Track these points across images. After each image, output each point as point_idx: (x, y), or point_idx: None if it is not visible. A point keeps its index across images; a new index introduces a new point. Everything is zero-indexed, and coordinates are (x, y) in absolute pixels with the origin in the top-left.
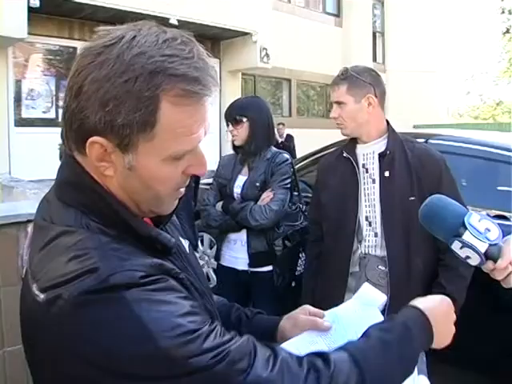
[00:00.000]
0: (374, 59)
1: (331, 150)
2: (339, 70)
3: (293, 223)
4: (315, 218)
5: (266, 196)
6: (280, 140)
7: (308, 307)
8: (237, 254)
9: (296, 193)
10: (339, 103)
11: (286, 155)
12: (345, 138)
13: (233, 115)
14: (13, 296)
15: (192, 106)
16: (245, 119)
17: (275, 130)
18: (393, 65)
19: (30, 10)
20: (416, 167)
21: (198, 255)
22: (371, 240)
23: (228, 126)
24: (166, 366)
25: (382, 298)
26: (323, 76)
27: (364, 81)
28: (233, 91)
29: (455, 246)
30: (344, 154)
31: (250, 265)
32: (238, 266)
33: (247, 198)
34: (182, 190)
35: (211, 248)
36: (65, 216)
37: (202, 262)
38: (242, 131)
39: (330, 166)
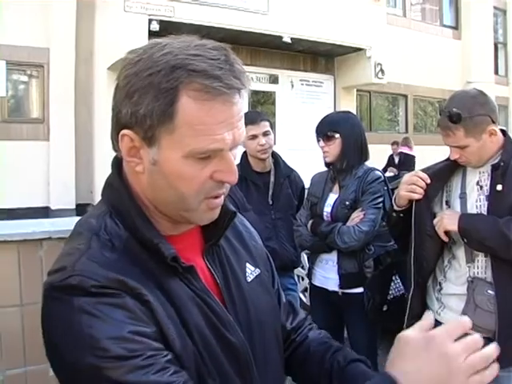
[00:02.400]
0: (496, 72)
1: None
2: (443, 111)
3: (385, 244)
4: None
5: (356, 216)
6: (396, 159)
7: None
8: (328, 274)
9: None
10: (458, 147)
11: (379, 172)
12: None
13: (324, 131)
14: None
15: (211, 103)
16: (337, 135)
17: (367, 146)
18: None
19: (150, 33)
20: None
21: (304, 272)
22: (481, 260)
23: (319, 141)
24: (84, 380)
25: None
26: (441, 91)
27: (479, 115)
28: (347, 108)
29: None
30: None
31: (340, 286)
32: (329, 286)
33: (337, 218)
34: (217, 201)
35: (303, 267)
36: (95, 213)
37: (308, 280)
38: (334, 148)
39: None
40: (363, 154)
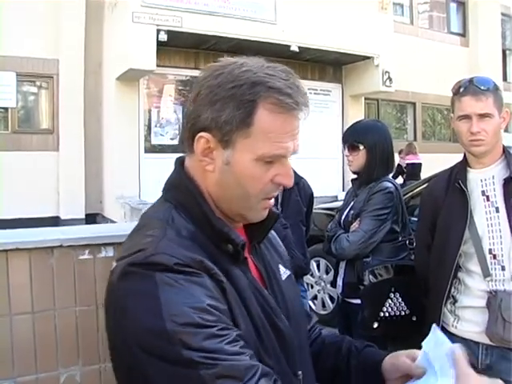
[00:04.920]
0: (505, 78)
1: (436, 176)
2: (462, 81)
3: (384, 259)
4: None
5: (353, 225)
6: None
7: (414, 352)
8: (341, 282)
9: (397, 225)
10: (484, 116)
11: (388, 183)
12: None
13: (349, 140)
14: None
15: (283, 116)
16: (361, 146)
17: (393, 156)
18: None
19: (159, 43)
20: None
21: (313, 280)
22: (498, 274)
23: (344, 149)
24: (162, 346)
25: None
26: (449, 99)
27: (500, 91)
28: (355, 116)
29: None
30: (455, 183)
31: (342, 294)
32: (340, 294)
33: (346, 227)
34: (271, 202)
35: (327, 273)
36: (159, 209)
37: (317, 288)
38: (358, 158)
39: (435, 195)
40: (389, 165)
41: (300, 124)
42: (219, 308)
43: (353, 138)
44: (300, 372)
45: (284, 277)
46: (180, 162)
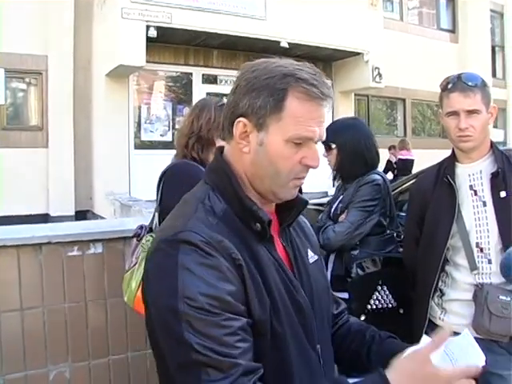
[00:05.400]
0: (494, 75)
1: (425, 171)
2: (450, 77)
3: (374, 251)
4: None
5: (340, 217)
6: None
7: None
8: (329, 275)
9: (384, 218)
10: (472, 112)
11: (376, 176)
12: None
13: (324, 140)
14: (119, 307)
15: (310, 103)
16: (333, 146)
17: (373, 152)
18: None
19: (148, 39)
20: None
21: None
22: (485, 267)
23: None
24: (171, 321)
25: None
26: (439, 94)
27: (488, 88)
28: (345, 112)
29: None
30: (443, 178)
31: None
32: None
33: (335, 220)
34: (301, 181)
35: None
36: (199, 189)
37: None
38: (332, 157)
39: (424, 189)
40: (368, 162)
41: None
42: (230, 292)
43: (326, 137)
44: (318, 346)
45: (311, 260)
46: (219, 150)
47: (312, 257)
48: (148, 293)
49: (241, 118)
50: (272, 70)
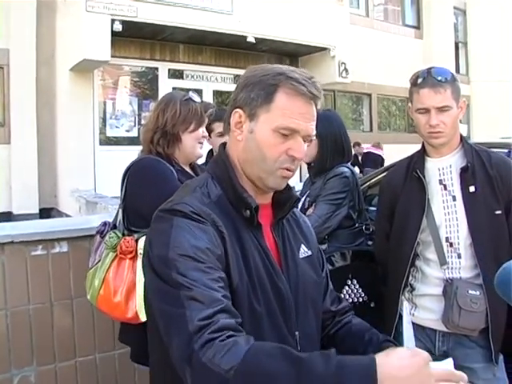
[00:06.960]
0: (457, 70)
1: (395, 165)
2: (420, 72)
3: (341, 245)
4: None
5: (308, 211)
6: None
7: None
8: None
9: (353, 211)
10: (443, 108)
11: (344, 168)
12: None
13: None
14: (86, 307)
15: (297, 99)
16: (313, 136)
17: (349, 143)
18: (477, 75)
19: (113, 33)
20: (495, 177)
21: None
22: (454, 262)
23: None
24: (162, 268)
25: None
26: (404, 90)
27: (458, 82)
28: None
29: None
30: (413, 172)
31: None
32: None
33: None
34: (288, 173)
35: None
36: (200, 177)
37: None
38: (311, 148)
39: (394, 184)
40: (344, 154)
41: None
42: (215, 252)
43: None
44: (297, 333)
45: (303, 255)
46: (223, 145)
47: (305, 252)
48: (149, 256)
49: (237, 109)
50: (268, 70)
